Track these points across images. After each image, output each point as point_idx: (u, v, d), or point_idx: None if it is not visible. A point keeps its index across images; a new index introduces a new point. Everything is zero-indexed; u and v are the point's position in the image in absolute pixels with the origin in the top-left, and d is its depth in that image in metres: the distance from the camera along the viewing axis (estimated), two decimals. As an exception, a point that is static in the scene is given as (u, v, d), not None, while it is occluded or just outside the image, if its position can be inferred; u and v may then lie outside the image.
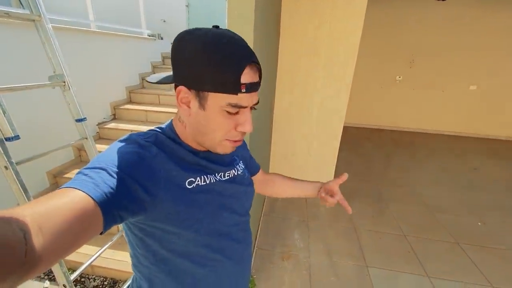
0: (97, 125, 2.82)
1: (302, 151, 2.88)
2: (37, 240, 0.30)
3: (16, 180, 0.99)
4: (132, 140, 0.53)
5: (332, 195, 0.76)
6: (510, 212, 2.73)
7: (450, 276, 1.91)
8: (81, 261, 1.70)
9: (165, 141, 0.55)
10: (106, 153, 0.48)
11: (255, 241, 2.16)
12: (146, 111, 3.05)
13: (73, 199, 0.37)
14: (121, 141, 0.53)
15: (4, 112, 0.93)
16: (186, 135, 0.57)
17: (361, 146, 4.48)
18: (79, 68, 2.40)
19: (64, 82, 1.20)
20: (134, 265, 0.64)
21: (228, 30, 0.51)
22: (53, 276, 1.86)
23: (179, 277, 0.60)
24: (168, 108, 3.09)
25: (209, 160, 0.60)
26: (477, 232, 2.42)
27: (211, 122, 0.52)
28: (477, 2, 4.42)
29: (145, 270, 0.61)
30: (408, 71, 5.06)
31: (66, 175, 2.32)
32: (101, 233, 0.40)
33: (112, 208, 0.41)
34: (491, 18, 4.49)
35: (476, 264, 2.03)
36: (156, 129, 0.59)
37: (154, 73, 3.69)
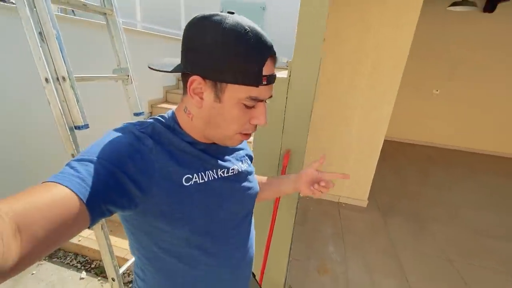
0: (135, 121, 2.90)
1: (339, 162, 2.78)
2: (15, 241, 0.28)
3: (81, 169, 0.99)
4: (127, 130, 0.49)
5: (319, 182, 0.68)
6: None
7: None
8: (120, 256, 1.71)
9: (162, 131, 0.51)
10: (98, 143, 0.45)
11: (289, 250, 2.08)
12: (181, 111, 3.10)
13: (55, 195, 0.34)
14: (116, 130, 0.49)
15: (77, 101, 0.94)
16: (191, 126, 0.53)
17: (396, 161, 4.29)
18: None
19: (128, 75, 1.21)
20: (131, 252, 0.61)
21: (244, 17, 0.46)
22: (90, 267, 1.88)
23: (169, 276, 0.57)
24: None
25: (209, 154, 0.55)
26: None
27: (227, 115, 0.48)
28: (529, 15, 4.16)
29: (138, 261, 0.59)
30: (447, 85, 4.82)
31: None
32: (88, 227, 0.38)
33: (99, 203, 0.38)
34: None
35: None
36: (155, 117, 0.54)
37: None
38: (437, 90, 4.91)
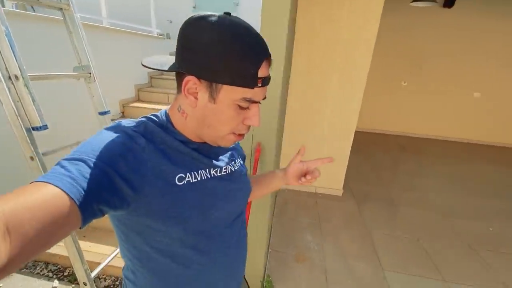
0: (106, 122, 2.79)
1: (313, 154, 2.85)
2: (4, 242, 0.28)
3: (42, 172, 0.95)
4: (120, 129, 0.49)
5: (306, 174, 0.72)
6: (520, 218, 2.72)
7: (466, 281, 1.89)
8: (93, 261, 1.66)
9: (155, 130, 0.51)
10: (90, 142, 0.44)
11: (268, 243, 2.12)
12: (154, 109, 3.00)
13: (46, 195, 0.34)
14: (107, 129, 0.49)
15: (33, 100, 0.90)
16: (185, 125, 0.53)
17: (369, 151, 4.47)
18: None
19: (90, 73, 1.17)
20: (122, 255, 0.61)
21: (240, 18, 0.47)
22: (62, 275, 1.80)
23: (162, 276, 0.57)
24: (178, 107, 3.06)
25: (202, 153, 0.56)
26: (490, 237, 2.40)
27: (220, 115, 0.49)
28: (483, 9, 4.47)
29: (129, 262, 0.58)
30: (414, 77, 5.09)
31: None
32: (80, 228, 0.38)
33: (91, 203, 0.38)
34: (496, 25, 4.54)
35: (494, 270, 2.00)
36: (147, 116, 0.54)
37: (163, 73, 3.62)
38: (405, 82, 5.16)
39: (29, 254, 0.31)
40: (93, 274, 1.14)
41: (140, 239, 0.52)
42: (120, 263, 1.78)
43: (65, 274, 1.80)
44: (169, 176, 0.49)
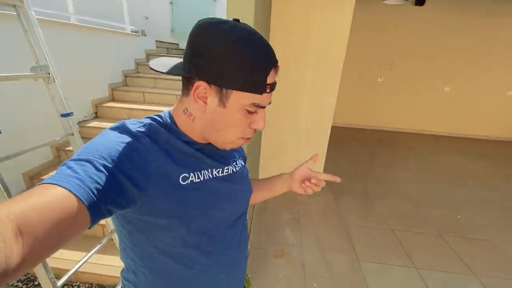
0: (77, 123, 2.67)
1: (291, 151, 2.90)
2: (17, 243, 0.29)
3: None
4: (124, 129, 0.49)
5: (310, 180, 0.72)
6: (485, 205, 2.90)
7: (435, 267, 2.00)
8: (65, 268, 1.60)
9: (158, 130, 0.52)
10: (94, 142, 0.45)
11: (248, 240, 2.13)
12: (130, 109, 2.93)
13: (55, 197, 0.35)
14: (112, 129, 0.49)
15: (-17, 104, 0.84)
16: (191, 127, 0.54)
17: (346, 145, 4.59)
18: (57, 63, 2.26)
19: (49, 73, 1.11)
20: (122, 256, 0.61)
21: (248, 25, 0.48)
22: (33, 284, 1.72)
23: (164, 276, 0.57)
24: (154, 107, 2.99)
25: (205, 154, 0.56)
26: (457, 224, 2.54)
27: (230, 119, 0.50)
28: (452, 8, 4.69)
29: (131, 263, 0.59)
30: (389, 73, 5.26)
31: (44, 177, 2.17)
32: (89, 228, 0.39)
33: (99, 204, 0.39)
34: (464, 23, 4.77)
35: (458, 254, 2.13)
36: (151, 116, 0.55)
37: (138, 71, 3.53)
38: (381, 78, 5.33)
39: (41, 255, 0.32)
40: (60, 283, 1.10)
41: (143, 238, 0.53)
42: (93, 268, 1.73)
43: (36, 283, 1.73)
44: (173, 176, 0.50)
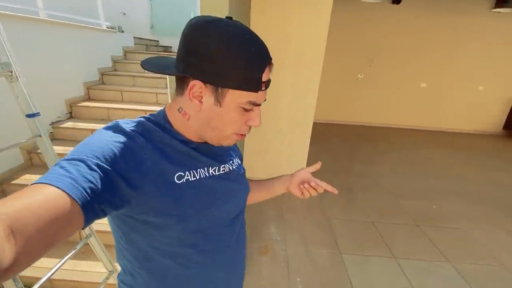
0: (50, 124, 2.55)
1: (274, 147, 2.91)
2: (9, 243, 0.28)
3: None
4: (118, 128, 0.48)
5: (309, 182, 0.74)
6: (459, 196, 3.05)
7: (413, 256, 2.08)
8: (38, 276, 1.52)
9: (152, 129, 0.51)
10: (88, 142, 0.45)
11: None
12: (107, 108, 2.83)
13: (48, 196, 0.34)
14: (105, 128, 0.49)
15: None
16: (186, 126, 0.53)
17: (328, 141, 4.67)
18: (26, 61, 2.14)
19: (11, 71, 1.05)
20: (118, 258, 0.61)
21: (241, 23, 0.48)
22: (3, 295, 1.63)
23: (161, 277, 0.57)
24: (133, 105, 2.89)
25: (200, 152, 0.56)
26: (433, 214, 2.66)
27: (226, 118, 0.50)
28: (427, 6, 4.86)
29: (128, 264, 0.58)
30: (369, 70, 5.39)
31: (15, 181, 2.05)
32: (82, 228, 0.38)
33: (93, 203, 0.38)
34: (438, 21, 4.96)
35: (434, 243, 2.23)
36: (145, 116, 0.55)
37: (116, 69, 3.41)
38: (361, 75, 5.45)
39: (34, 255, 0.32)
40: (30, 292, 1.04)
41: (139, 238, 0.53)
42: (69, 275, 1.66)
43: (6, 294, 1.64)
44: (168, 174, 0.50)
